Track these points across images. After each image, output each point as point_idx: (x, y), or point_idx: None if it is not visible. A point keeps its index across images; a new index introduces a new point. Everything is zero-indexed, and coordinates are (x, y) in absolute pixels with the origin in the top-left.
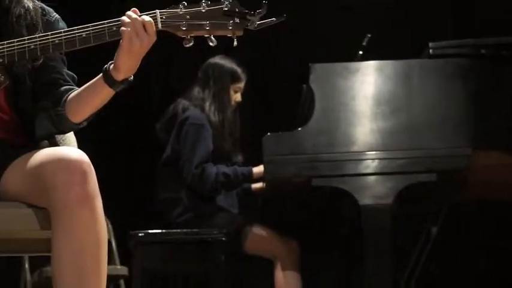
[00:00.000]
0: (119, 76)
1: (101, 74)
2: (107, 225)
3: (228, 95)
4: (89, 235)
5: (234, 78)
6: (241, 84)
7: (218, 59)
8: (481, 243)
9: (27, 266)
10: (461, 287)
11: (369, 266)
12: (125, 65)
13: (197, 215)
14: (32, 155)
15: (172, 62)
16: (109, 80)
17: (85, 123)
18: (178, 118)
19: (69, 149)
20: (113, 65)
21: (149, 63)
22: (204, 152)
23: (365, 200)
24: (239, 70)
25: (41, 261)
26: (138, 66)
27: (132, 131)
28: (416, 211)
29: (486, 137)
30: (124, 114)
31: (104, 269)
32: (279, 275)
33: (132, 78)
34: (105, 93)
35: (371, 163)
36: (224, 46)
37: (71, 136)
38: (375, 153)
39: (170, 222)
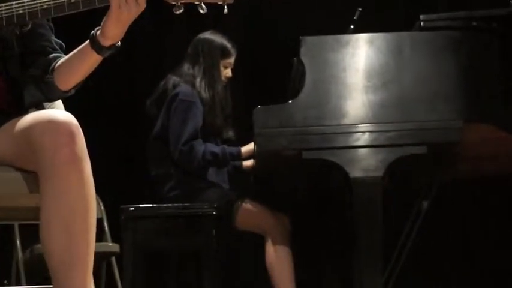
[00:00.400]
0: (106, 42)
1: (88, 40)
2: (98, 203)
3: (218, 71)
4: (77, 197)
5: (224, 53)
6: (231, 60)
7: (208, 35)
8: (473, 220)
9: (18, 243)
10: (452, 263)
11: (360, 239)
12: (112, 31)
13: (188, 190)
14: (20, 119)
15: (165, 38)
16: (96, 46)
17: (73, 91)
18: (168, 94)
19: (57, 111)
20: (100, 31)
21: (140, 37)
22: (192, 128)
23: (355, 172)
24: (229, 45)
25: (33, 240)
26: (124, 33)
27: (123, 106)
28: (408, 186)
29: (477, 109)
30: (114, 89)
31: (93, 232)
32: (270, 250)
33: (119, 43)
34: (93, 60)
35: (361, 136)
36: (214, 16)
37: (59, 104)
38: (366, 126)
39: (161, 197)
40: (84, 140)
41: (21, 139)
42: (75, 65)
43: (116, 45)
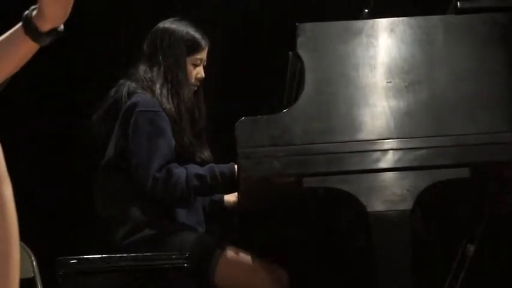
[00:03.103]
0: (45, 25)
1: (21, 24)
2: (28, 257)
3: (184, 71)
4: None
5: (192, 47)
6: (203, 55)
7: (168, 23)
8: None
9: None
10: None
11: None
12: (53, 9)
13: (151, 235)
14: None
15: (118, 26)
16: (32, 31)
17: None
18: (121, 106)
19: None
20: (36, 10)
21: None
22: (165, 147)
23: (375, 205)
24: (197, 35)
25: None
26: (69, 12)
27: (57, 126)
28: (446, 223)
29: None
30: (45, 104)
31: (14, 274)
32: None
33: (62, 28)
34: (27, 49)
35: (382, 155)
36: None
37: None
38: (387, 142)
39: (114, 245)
40: (3, 159)
41: None
42: (3, 55)
43: (59, 29)
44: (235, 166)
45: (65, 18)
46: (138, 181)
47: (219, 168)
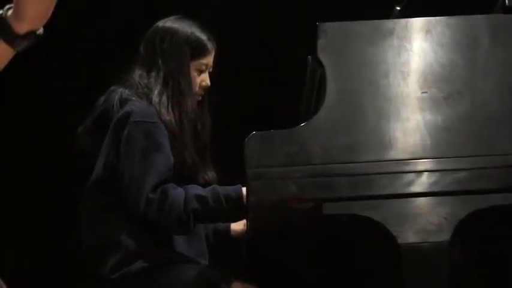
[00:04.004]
0: (22, 27)
1: None
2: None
3: (187, 78)
4: None
5: (196, 50)
6: (209, 59)
7: (170, 22)
8: None
9: None
10: None
11: None
12: (32, 8)
13: (145, 268)
14: None
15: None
16: (7, 33)
17: None
18: (113, 116)
19: None
20: (12, 10)
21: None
22: (162, 164)
23: (407, 236)
24: (203, 36)
25: None
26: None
27: (38, 139)
28: (492, 258)
29: None
30: (23, 113)
31: None
32: None
33: (42, 31)
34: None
35: (415, 178)
36: None
37: None
38: (422, 163)
39: (101, 278)
40: None
41: None
42: None
43: (38, 33)
44: (243, 189)
45: (45, 20)
46: (130, 203)
47: (224, 190)
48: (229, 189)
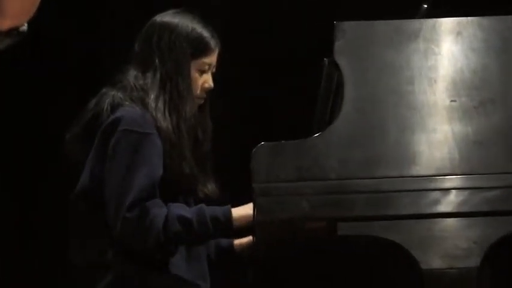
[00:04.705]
0: (3, 23)
1: None
2: None
3: (187, 79)
4: None
5: (198, 48)
6: (212, 59)
7: (169, 17)
8: None
9: None
10: None
11: None
12: (14, 3)
13: None
14: None
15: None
16: None
17: None
18: (102, 121)
19: None
20: None
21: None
22: (146, 179)
23: (432, 260)
24: (206, 33)
25: None
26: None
27: (21, 145)
28: None
29: None
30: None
31: None
32: None
33: (26, 28)
34: None
35: (442, 196)
36: None
37: None
38: (449, 179)
39: None
40: None
41: None
42: None
43: (20, 30)
44: (234, 210)
45: (30, 15)
46: (109, 222)
47: (212, 211)
48: (217, 210)
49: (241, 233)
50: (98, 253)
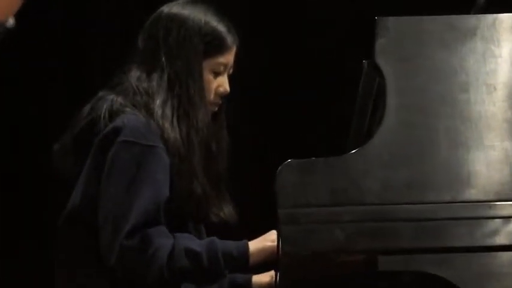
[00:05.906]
0: None
1: None
2: None
3: (199, 82)
4: None
5: (212, 44)
6: (228, 58)
7: (178, 8)
8: None
9: None
10: None
11: None
12: None
13: None
14: None
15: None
16: None
17: None
18: (98, 131)
19: None
20: None
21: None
22: (149, 201)
23: None
24: (221, 27)
25: None
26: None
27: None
28: None
29: None
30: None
31: None
32: None
33: (12, 23)
34: None
35: (501, 225)
36: None
37: None
38: (510, 206)
39: None
40: None
41: None
42: None
43: (6, 24)
44: (251, 245)
45: (15, 9)
46: (102, 249)
47: (225, 246)
48: (231, 245)
49: (260, 266)
50: (86, 283)
